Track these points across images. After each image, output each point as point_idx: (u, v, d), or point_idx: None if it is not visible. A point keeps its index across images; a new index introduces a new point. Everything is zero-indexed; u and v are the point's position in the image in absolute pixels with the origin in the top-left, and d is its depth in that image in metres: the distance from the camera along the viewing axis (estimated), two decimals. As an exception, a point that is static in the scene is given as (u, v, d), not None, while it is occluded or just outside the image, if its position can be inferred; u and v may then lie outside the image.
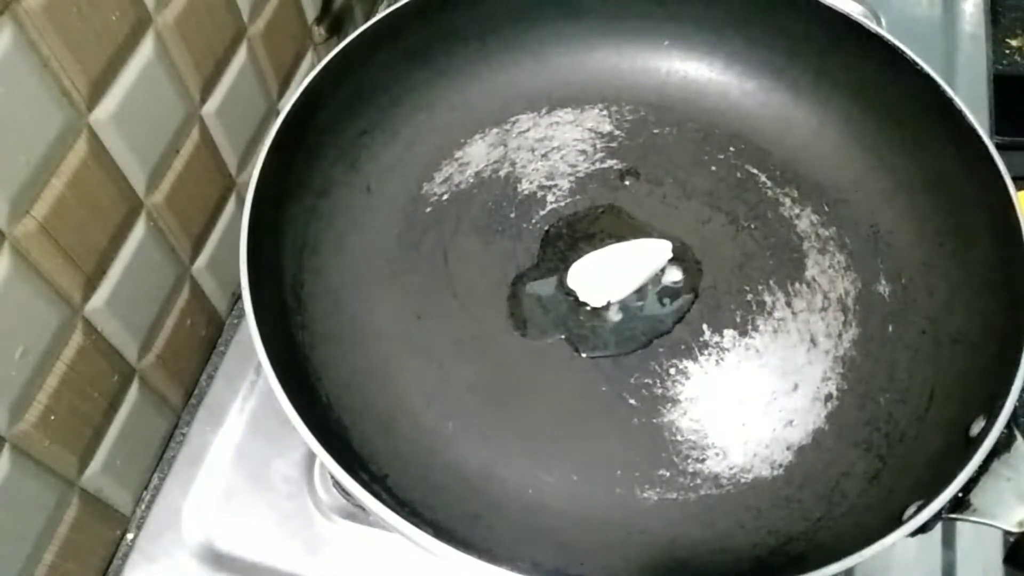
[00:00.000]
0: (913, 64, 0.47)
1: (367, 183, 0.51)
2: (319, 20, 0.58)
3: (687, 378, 0.45)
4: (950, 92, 0.45)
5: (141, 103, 0.41)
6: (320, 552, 0.45)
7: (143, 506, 0.48)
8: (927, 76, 0.46)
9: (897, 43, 0.47)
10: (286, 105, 0.45)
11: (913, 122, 0.48)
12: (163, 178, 0.45)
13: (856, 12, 0.53)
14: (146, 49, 0.41)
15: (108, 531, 0.47)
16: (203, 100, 0.47)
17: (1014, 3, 0.68)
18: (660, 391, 0.45)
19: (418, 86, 0.53)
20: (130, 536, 0.47)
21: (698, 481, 0.42)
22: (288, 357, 0.42)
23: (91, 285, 0.41)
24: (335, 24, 0.59)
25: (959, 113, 0.45)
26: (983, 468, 0.36)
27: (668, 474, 0.43)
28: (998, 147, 0.43)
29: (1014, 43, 0.66)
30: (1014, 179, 0.42)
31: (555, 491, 0.42)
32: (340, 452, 0.37)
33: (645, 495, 0.42)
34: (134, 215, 0.44)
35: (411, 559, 0.45)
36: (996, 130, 0.59)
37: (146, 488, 0.49)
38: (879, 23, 0.65)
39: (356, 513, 0.46)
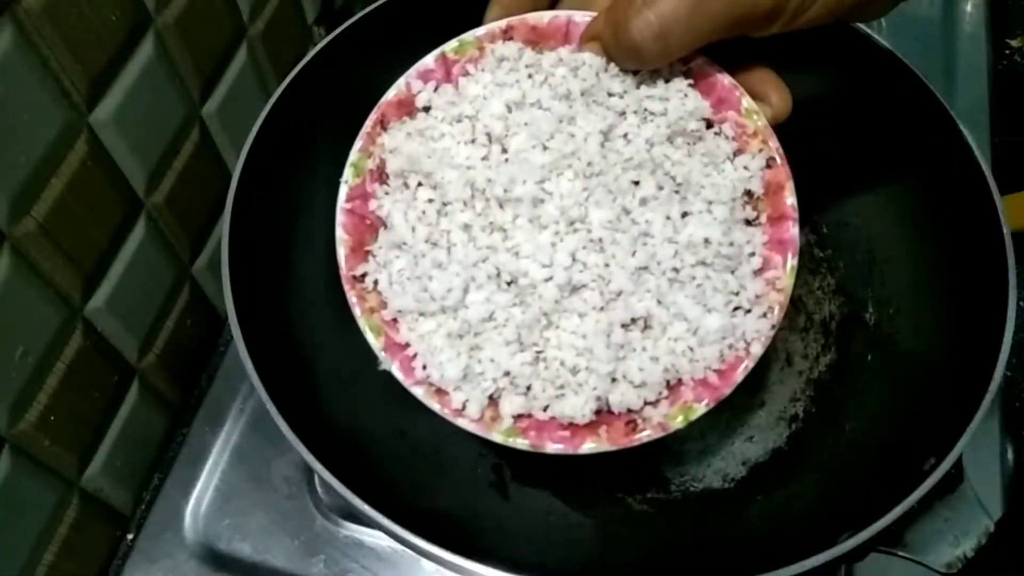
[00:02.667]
0: (914, 75, 0.43)
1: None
2: (319, 20, 0.58)
3: None
4: (951, 111, 0.41)
5: (141, 103, 0.41)
6: (320, 552, 0.45)
7: (143, 506, 0.48)
8: (926, 88, 0.42)
9: (892, 49, 0.46)
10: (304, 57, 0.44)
11: (913, 142, 0.44)
12: (163, 178, 0.45)
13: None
14: (146, 49, 0.41)
15: (108, 531, 0.47)
16: (203, 100, 0.47)
17: (1014, 3, 0.68)
18: None
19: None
20: (130, 536, 0.47)
21: (647, 483, 0.42)
22: (264, 303, 0.41)
23: (91, 285, 0.41)
24: (335, 25, 0.59)
25: (959, 134, 0.41)
26: (924, 506, 0.35)
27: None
28: (998, 148, 0.42)
29: (1014, 43, 0.66)
30: (1014, 178, 0.41)
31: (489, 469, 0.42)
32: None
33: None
34: (134, 215, 0.44)
35: (410, 559, 0.45)
36: (996, 130, 0.59)
37: (146, 488, 0.49)
38: (879, 24, 0.64)
39: (356, 513, 0.46)
